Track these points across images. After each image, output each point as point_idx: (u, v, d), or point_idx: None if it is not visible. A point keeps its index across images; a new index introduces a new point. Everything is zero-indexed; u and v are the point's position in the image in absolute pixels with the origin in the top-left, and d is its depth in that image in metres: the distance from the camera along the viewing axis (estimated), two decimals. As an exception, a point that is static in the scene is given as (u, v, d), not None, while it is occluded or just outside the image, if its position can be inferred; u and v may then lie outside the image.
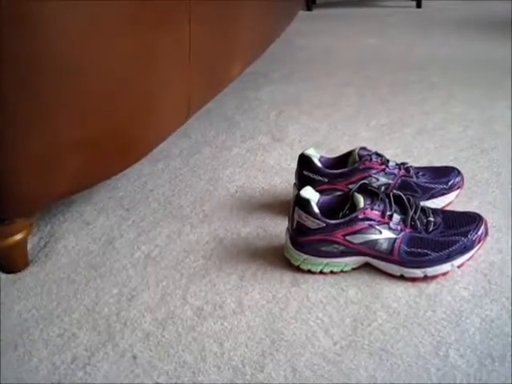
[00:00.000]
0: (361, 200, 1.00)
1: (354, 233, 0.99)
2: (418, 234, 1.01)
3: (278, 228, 1.15)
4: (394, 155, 1.42)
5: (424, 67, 2.21)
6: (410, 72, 2.15)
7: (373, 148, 1.23)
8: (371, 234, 0.99)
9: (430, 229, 1.02)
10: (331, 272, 1.03)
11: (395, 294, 0.99)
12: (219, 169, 1.45)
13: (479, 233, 1.02)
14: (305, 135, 1.61)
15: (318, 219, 0.99)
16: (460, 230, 1.02)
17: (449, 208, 1.19)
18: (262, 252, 1.11)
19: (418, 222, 1.01)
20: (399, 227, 1.00)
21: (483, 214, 1.09)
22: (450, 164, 1.32)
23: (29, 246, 1.12)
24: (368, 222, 0.99)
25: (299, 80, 2.09)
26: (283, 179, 1.35)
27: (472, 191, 1.30)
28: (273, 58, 2.29)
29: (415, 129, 1.64)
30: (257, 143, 1.58)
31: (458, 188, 1.22)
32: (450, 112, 1.75)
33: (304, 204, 1.00)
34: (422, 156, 1.46)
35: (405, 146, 1.53)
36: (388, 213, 1.00)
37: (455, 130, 1.63)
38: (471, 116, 1.71)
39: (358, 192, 1.02)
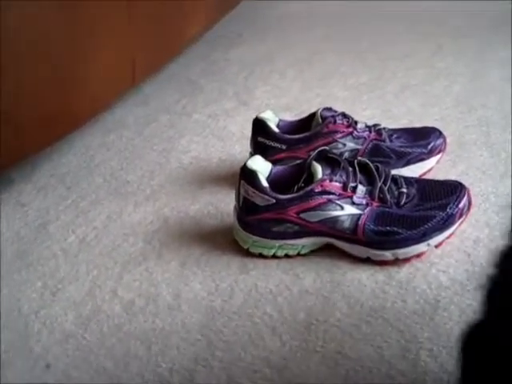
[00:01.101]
0: (319, 170, 0.83)
1: (310, 209, 0.83)
2: (387, 209, 0.85)
3: (231, 204, 0.99)
4: (371, 116, 1.25)
5: (410, 17, 2.01)
6: (394, 24, 1.95)
7: (349, 109, 1.06)
8: (331, 210, 0.83)
9: (402, 202, 0.86)
10: (286, 256, 0.87)
11: (359, 281, 0.83)
12: (175, 138, 1.28)
13: (461, 205, 0.85)
14: (274, 97, 1.44)
15: (266, 194, 0.83)
16: (438, 203, 0.86)
17: (428, 176, 1.02)
18: (209, 234, 0.95)
19: (387, 195, 0.85)
20: (365, 201, 0.84)
21: (469, 182, 0.93)
22: (435, 124, 1.14)
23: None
24: (326, 197, 0.83)
25: (273, 38, 1.91)
26: (244, 148, 1.19)
27: (457, 155, 1.13)
28: (245, 16, 2.09)
29: (397, 86, 1.47)
30: (220, 108, 1.41)
31: (440, 152, 1.05)
32: (436, 67, 1.56)
33: (250, 177, 0.84)
34: (402, 116, 1.29)
35: (384, 105, 1.36)
36: (351, 184, 0.84)
37: (441, 86, 1.45)
38: (459, 70, 1.52)
39: (317, 160, 0.86)
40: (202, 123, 1.35)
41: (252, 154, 1.03)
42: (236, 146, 1.23)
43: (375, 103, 1.38)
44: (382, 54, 1.68)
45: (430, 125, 1.12)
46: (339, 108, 1.06)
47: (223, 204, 1.03)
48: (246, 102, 1.44)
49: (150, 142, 1.29)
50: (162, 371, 0.72)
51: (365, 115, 1.17)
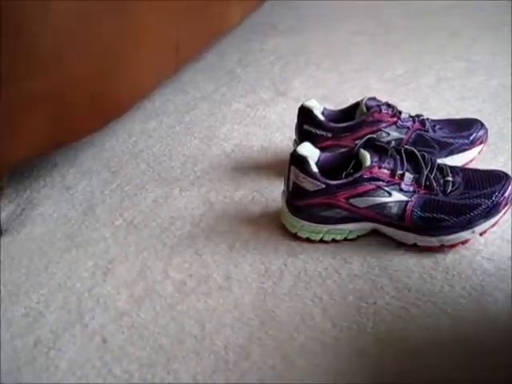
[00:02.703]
0: (367, 157, 0.85)
1: (359, 195, 0.85)
2: (433, 197, 0.86)
3: (275, 191, 1.01)
4: (409, 108, 1.25)
5: (444, 11, 2.01)
6: (428, 17, 1.95)
7: (387, 101, 1.07)
8: (379, 196, 0.85)
9: (448, 190, 0.87)
10: (333, 240, 0.90)
11: (406, 266, 0.85)
12: (216, 126, 1.30)
13: (506, 194, 0.87)
14: (311, 88, 1.46)
15: (316, 180, 0.85)
16: (483, 192, 0.87)
17: (471, 166, 1.03)
18: (255, 218, 0.98)
19: (433, 183, 0.87)
20: (412, 188, 0.86)
21: (510, 173, 0.93)
22: (473, 117, 1.15)
23: (3, 215, 1.00)
24: (375, 183, 0.85)
25: (308, 29, 1.92)
26: (285, 136, 1.21)
27: (497, 147, 1.15)
28: (281, 6, 2.10)
29: (433, 79, 1.48)
30: (258, 98, 1.43)
31: (482, 143, 1.06)
32: (472, 60, 1.57)
33: (301, 162, 0.86)
34: (440, 108, 1.30)
35: (422, 97, 1.37)
36: (399, 172, 0.86)
37: (478, 80, 1.46)
38: (496, 64, 1.53)
39: (365, 148, 0.88)
40: (242, 112, 1.37)
41: (297, 142, 1.05)
42: (277, 134, 1.25)
43: (412, 95, 1.40)
44: (417, 47, 1.69)
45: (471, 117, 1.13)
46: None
47: (267, 190, 1.05)
48: (284, 92, 1.45)
49: (190, 129, 1.31)
50: (218, 349, 0.75)
51: (403, 106, 1.18)
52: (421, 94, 1.41)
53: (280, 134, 1.24)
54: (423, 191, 0.87)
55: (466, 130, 1.05)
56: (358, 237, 0.91)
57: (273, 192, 1.03)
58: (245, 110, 1.38)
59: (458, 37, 1.75)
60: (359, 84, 1.47)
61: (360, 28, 1.88)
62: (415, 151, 0.90)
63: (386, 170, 0.86)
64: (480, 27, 1.81)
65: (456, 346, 0.72)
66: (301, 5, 2.15)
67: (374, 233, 0.91)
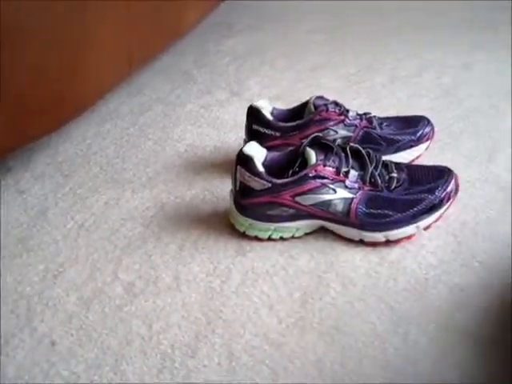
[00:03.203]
0: (312, 155, 0.87)
1: (305, 193, 0.86)
2: (378, 193, 0.88)
3: (226, 190, 1.02)
4: (361, 106, 1.28)
5: (399, 10, 2.04)
6: (384, 16, 1.98)
7: (339, 99, 1.09)
8: (324, 193, 0.86)
9: (393, 186, 0.89)
10: (281, 238, 0.91)
11: (353, 261, 0.87)
12: (170, 127, 1.31)
13: (448, 189, 0.89)
14: (265, 88, 1.47)
15: (262, 179, 0.86)
16: (427, 187, 0.89)
17: (418, 162, 1.05)
18: (206, 218, 0.98)
19: (378, 179, 0.89)
20: (357, 185, 0.87)
21: (456, 168, 0.96)
22: (423, 114, 1.17)
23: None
24: (320, 181, 0.86)
25: (265, 29, 1.93)
26: (238, 136, 1.22)
27: (445, 143, 1.17)
28: (238, 6, 2.11)
29: (386, 77, 1.50)
30: (213, 98, 1.44)
31: (428, 139, 1.09)
32: (426, 58, 1.60)
33: (247, 162, 0.87)
34: (391, 106, 1.33)
35: (374, 95, 1.40)
36: (344, 169, 0.87)
37: (430, 78, 1.48)
38: (449, 62, 1.56)
39: (311, 146, 0.89)
40: (196, 113, 1.38)
41: (246, 142, 1.05)
42: (230, 135, 1.25)
43: (364, 93, 1.42)
44: (371, 46, 1.71)
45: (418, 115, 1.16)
46: (329, 98, 1.08)
47: (218, 189, 1.06)
48: (238, 93, 1.46)
49: (144, 131, 1.31)
50: (165, 348, 0.75)
51: (354, 105, 1.20)
52: (373, 91, 1.43)
53: (233, 134, 1.25)
54: (368, 188, 0.88)
55: (412, 127, 1.08)
56: (306, 234, 0.92)
57: (224, 191, 1.04)
58: (199, 111, 1.38)
59: (411, 35, 1.77)
60: (313, 83, 1.49)
61: (317, 27, 1.90)
62: (360, 149, 0.91)
63: (331, 168, 0.87)
64: (433, 26, 1.84)
65: (399, 339, 0.74)
66: (258, 4, 2.16)
67: (322, 230, 0.92)
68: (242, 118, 1.17)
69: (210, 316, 0.79)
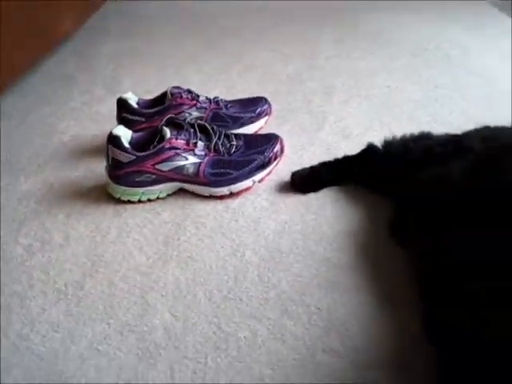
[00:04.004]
0: (167, 132, 1.12)
1: (163, 161, 1.11)
2: (221, 157, 1.14)
3: (104, 169, 1.25)
4: (220, 94, 1.53)
5: (258, 11, 2.33)
6: (243, 15, 2.27)
7: (201, 90, 1.35)
8: (178, 160, 1.12)
9: (232, 151, 1.16)
10: (148, 200, 1.15)
11: (204, 211, 1.13)
12: (55, 123, 1.51)
13: (275, 150, 1.17)
14: (138, 85, 1.70)
15: (128, 153, 1.10)
16: (258, 150, 1.16)
17: (260, 133, 1.32)
18: (88, 191, 1.21)
19: (221, 147, 1.15)
20: (204, 153, 1.13)
21: (292, 137, 1.27)
22: (269, 97, 1.45)
23: None
24: (174, 151, 1.11)
25: (138, 33, 2.16)
26: (114, 126, 1.43)
27: (285, 119, 1.45)
28: (115, 12, 2.33)
29: (242, 68, 1.77)
30: (92, 96, 1.65)
31: (266, 115, 1.36)
32: (278, 50, 1.89)
33: (115, 141, 1.11)
34: (243, 92, 1.59)
35: (230, 84, 1.66)
36: (193, 141, 1.13)
37: (278, 66, 1.77)
38: (296, 52, 1.87)
39: (166, 125, 1.14)
40: (78, 109, 1.59)
41: (118, 128, 1.29)
42: (107, 126, 1.47)
43: (222, 83, 1.68)
44: (232, 42, 1.98)
45: (269, 97, 1.44)
46: (194, 90, 1.34)
47: (98, 169, 1.28)
48: (114, 90, 1.69)
49: (33, 127, 1.52)
50: (59, 286, 0.98)
51: (214, 93, 1.46)
52: (230, 81, 1.70)
53: (110, 125, 1.44)
54: (213, 154, 1.15)
55: (252, 106, 1.35)
56: (168, 195, 1.17)
57: (102, 170, 1.27)
58: (80, 108, 1.60)
59: (270, 32, 2.06)
60: (180, 78, 1.74)
61: (184, 28, 2.15)
62: (206, 125, 1.18)
63: (182, 141, 1.13)
64: (289, 24, 2.14)
65: (237, 260, 1.01)
66: (132, 11, 2.39)
67: (180, 190, 1.18)
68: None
69: (94, 260, 1.03)
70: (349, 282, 0.94)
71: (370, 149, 1.14)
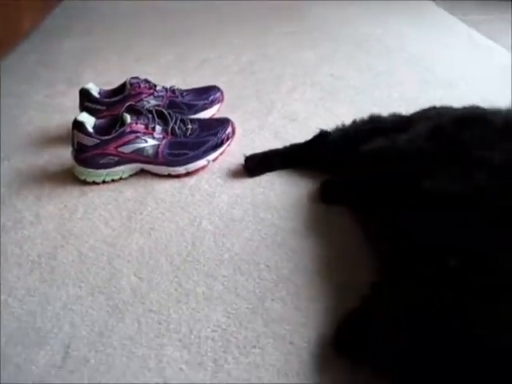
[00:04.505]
0: (127, 117, 1.23)
1: (124, 144, 1.22)
2: (177, 139, 1.25)
3: (70, 155, 1.35)
4: (177, 84, 1.64)
5: (210, 10, 2.45)
6: (199, 13, 2.39)
7: (158, 82, 1.46)
8: (138, 143, 1.23)
9: (188, 134, 1.27)
10: (112, 181, 1.26)
11: (164, 188, 1.24)
12: (20, 115, 1.60)
13: (227, 132, 1.29)
14: (98, 78, 1.79)
15: (92, 137, 1.21)
16: (211, 132, 1.28)
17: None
18: (55, 175, 1.31)
19: (177, 130, 1.26)
20: (162, 136, 1.25)
21: (243, 122, 1.40)
22: (222, 86, 1.57)
23: None
24: (134, 134, 1.22)
25: (98, 31, 2.26)
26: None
27: (236, 106, 1.57)
28: (75, 11, 2.42)
29: (198, 61, 1.88)
30: (56, 89, 1.74)
31: (219, 102, 1.49)
32: (231, 44, 2.01)
33: (80, 126, 1.21)
34: (199, 82, 1.70)
35: (186, 76, 1.77)
36: (151, 125, 1.24)
37: (231, 58, 1.89)
38: (247, 45, 2.00)
39: (127, 112, 1.25)
40: (42, 102, 1.68)
41: (81, 116, 1.40)
42: (71, 115, 1.54)
43: (179, 75, 1.79)
44: (187, 38, 2.10)
45: (222, 86, 1.56)
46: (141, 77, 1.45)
47: (64, 155, 1.37)
48: (77, 83, 1.78)
49: (-2, 121, 1.60)
50: (33, 258, 1.08)
51: (170, 84, 1.58)
52: (185, 73, 1.81)
53: (73, 115, 1.56)
54: (170, 137, 1.26)
55: (206, 94, 1.47)
56: (130, 176, 1.28)
57: (67, 155, 1.36)
58: (45, 100, 1.69)
59: (224, 27, 2.18)
60: (138, 70, 1.82)
61: (141, 26, 2.26)
62: (164, 111, 1.29)
63: (141, 125, 1.24)
64: (241, 20, 2.27)
65: (194, 228, 1.12)
66: (92, 10, 2.48)
67: (141, 171, 1.29)
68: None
69: (64, 234, 1.13)
70: (294, 244, 1.06)
71: (322, 135, 1.26)
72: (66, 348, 0.88)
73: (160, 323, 0.91)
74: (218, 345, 0.88)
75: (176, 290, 0.97)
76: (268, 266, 1.02)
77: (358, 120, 1.23)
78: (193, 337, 0.89)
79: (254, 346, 0.87)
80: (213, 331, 0.90)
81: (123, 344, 0.89)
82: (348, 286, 0.95)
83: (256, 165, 1.26)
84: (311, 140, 1.26)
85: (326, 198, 1.14)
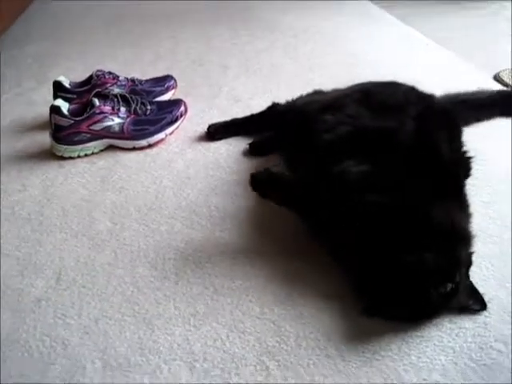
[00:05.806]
0: (96, 101, 1.48)
1: (95, 123, 1.47)
2: (139, 118, 1.51)
3: (46, 138, 1.58)
4: (137, 75, 1.88)
5: (166, 10, 2.72)
6: (155, 16, 2.65)
7: (120, 74, 1.70)
8: (107, 121, 1.47)
9: (148, 113, 1.52)
10: (86, 155, 1.50)
11: (130, 158, 1.48)
12: (-6, 112, 1.82)
13: (180, 109, 1.55)
14: (65, 75, 2.02)
15: (68, 118, 1.46)
16: (167, 110, 1.54)
17: (168, 103, 1.70)
18: (34, 156, 1.53)
19: (138, 110, 1.51)
20: (126, 115, 1.50)
21: (195, 104, 1.65)
22: (177, 76, 1.82)
23: None
24: (103, 114, 1.47)
25: (58, 36, 2.48)
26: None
27: (188, 92, 1.82)
28: (35, 19, 2.65)
29: (152, 57, 2.14)
30: (24, 88, 1.96)
31: (173, 89, 1.75)
32: (182, 40, 2.28)
33: (57, 110, 1.46)
34: (156, 75, 1.95)
35: (143, 71, 2.02)
36: (117, 107, 1.49)
37: (183, 52, 2.15)
38: (197, 40, 2.29)
39: (95, 97, 1.50)
40: (13, 99, 1.89)
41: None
42: (44, 108, 1.78)
43: (137, 70, 2.04)
44: (144, 35, 2.35)
45: (175, 76, 1.81)
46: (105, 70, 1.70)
47: (40, 139, 1.59)
48: (44, 81, 2.01)
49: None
50: (24, 215, 1.32)
51: (131, 74, 1.83)
52: (143, 68, 2.06)
53: (46, 107, 1.79)
54: (133, 116, 1.52)
55: (162, 82, 1.73)
56: (101, 150, 1.53)
57: (44, 139, 1.57)
58: (15, 98, 1.90)
59: (176, 25, 2.44)
60: (102, 66, 2.08)
61: (97, 29, 2.50)
62: (127, 95, 1.54)
63: (108, 107, 1.49)
64: (191, 20, 2.53)
65: (160, 187, 1.38)
66: (56, 10, 2.72)
67: (110, 147, 1.54)
68: (50, 97, 1.73)
69: (48, 197, 1.36)
70: (238, 191, 1.32)
71: (274, 106, 1.52)
72: (58, 274, 1.12)
73: (132, 252, 1.17)
74: (179, 263, 1.13)
75: (143, 229, 1.23)
76: (217, 207, 1.28)
77: (304, 94, 1.52)
78: (158, 259, 1.14)
79: (207, 262, 1.13)
80: (174, 254, 1.15)
81: (104, 268, 1.13)
82: (277, 214, 1.21)
83: (217, 131, 1.52)
84: (265, 110, 1.53)
85: (253, 153, 1.42)
